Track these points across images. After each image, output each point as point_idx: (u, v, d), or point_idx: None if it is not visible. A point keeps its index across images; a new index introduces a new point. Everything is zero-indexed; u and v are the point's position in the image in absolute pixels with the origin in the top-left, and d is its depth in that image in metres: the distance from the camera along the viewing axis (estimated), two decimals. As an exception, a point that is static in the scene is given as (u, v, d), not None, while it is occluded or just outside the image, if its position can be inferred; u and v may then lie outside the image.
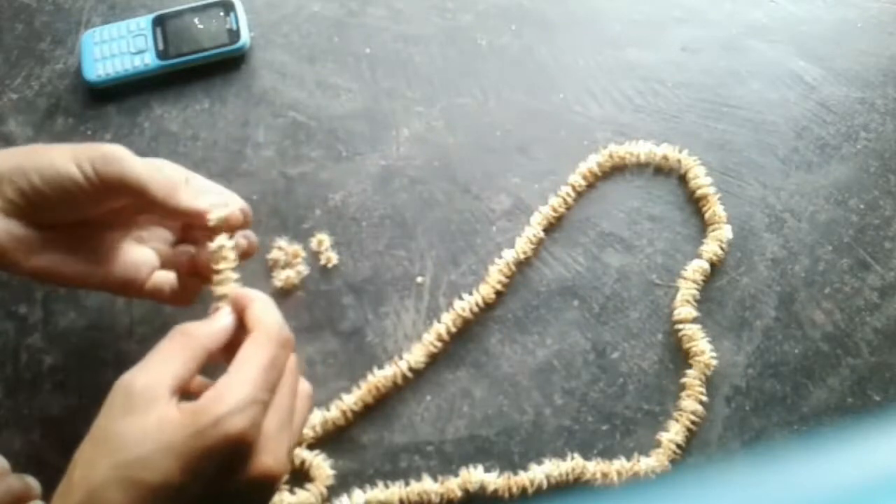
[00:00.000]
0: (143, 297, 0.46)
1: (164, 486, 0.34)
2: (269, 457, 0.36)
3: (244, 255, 0.45)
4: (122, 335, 0.51)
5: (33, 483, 0.46)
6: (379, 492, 0.47)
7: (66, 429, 0.50)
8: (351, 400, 0.49)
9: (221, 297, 0.41)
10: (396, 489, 0.47)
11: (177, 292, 0.46)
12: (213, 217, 0.41)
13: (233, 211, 0.42)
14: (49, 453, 0.49)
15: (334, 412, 0.49)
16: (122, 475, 0.34)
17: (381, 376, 0.49)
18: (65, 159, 0.40)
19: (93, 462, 0.35)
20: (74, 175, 0.40)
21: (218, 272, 0.41)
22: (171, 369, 0.36)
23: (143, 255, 0.46)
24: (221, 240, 0.41)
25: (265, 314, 0.39)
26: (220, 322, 0.40)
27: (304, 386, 0.41)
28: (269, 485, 0.37)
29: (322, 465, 0.48)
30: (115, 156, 0.41)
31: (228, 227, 0.42)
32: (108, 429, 0.36)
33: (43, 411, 0.50)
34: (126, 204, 0.43)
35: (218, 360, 0.39)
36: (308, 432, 0.48)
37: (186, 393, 0.37)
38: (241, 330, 0.39)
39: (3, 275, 0.53)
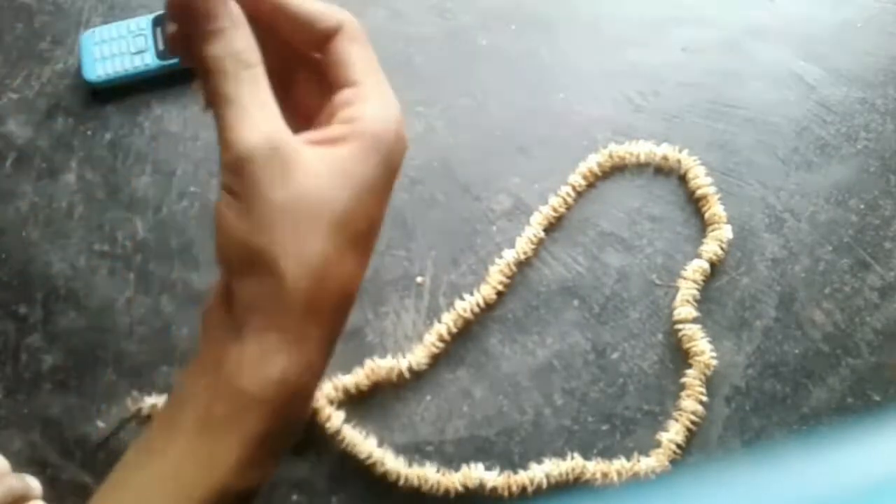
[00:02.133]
0: None
1: (376, 227, 0.31)
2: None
3: None
4: (122, 335, 0.51)
5: (33, 483, 0.46)
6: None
7: (66, 429, 0.50)
8: (349, 381, 0.49)
9: None
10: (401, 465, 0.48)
11: None
12: None
13: None
14: (49, 453, 0.49)
15: (328, 389, 0.49)
16: (343, 236, 0.29)
17: (379, 364, 0.49)
18: None
19: (300, 237, 0.29)
20: None
21: None
22: (273, 108, 0.30)
23: None
24: None
25: (339, 14, 0.34)
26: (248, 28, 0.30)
27: None
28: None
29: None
30: None
31: None
32: (299, 195, 0.29)
33: (43, 411, 0.50)
34: None
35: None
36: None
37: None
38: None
39: (3, 275, 0.53)
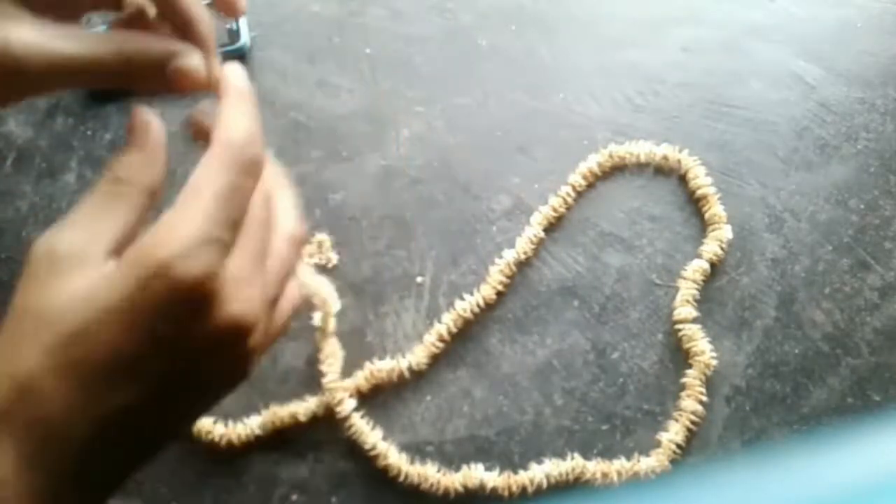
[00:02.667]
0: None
1: (110, 361, 0.27)
2: (235, 304, 0.29)
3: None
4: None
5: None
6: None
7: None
8: (349, 383, 0.49)
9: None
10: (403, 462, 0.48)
11: None
12: None
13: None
14: (49, 453, 0.49)
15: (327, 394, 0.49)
16: (57, 358, 0.27)
17: (379, 366, 0.49)
18: None
19: (16, 351, 0.27)
20: None
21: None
22: (104, 224, 0.29)
23: None
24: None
25: (231, 123, 0.30)
26: (160, 153, 0.30)
27: (287, 224, 0.32)
28: (240, 337, 0.29)
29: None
30: None
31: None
32: (29, 305, 0.28)
33: (43, 411, 0.50)
34: None
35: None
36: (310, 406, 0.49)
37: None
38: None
39: (3, 275, 0.53)
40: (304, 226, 0.33)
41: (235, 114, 0.30)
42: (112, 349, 0.27)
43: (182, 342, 0.28)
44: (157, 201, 0.30)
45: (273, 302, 0.31)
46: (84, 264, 0.28)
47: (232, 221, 0.29)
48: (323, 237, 0.53)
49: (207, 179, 0.29)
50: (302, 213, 0.34)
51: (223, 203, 0.28)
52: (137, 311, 0.27)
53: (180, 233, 0.27)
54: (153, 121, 0.32)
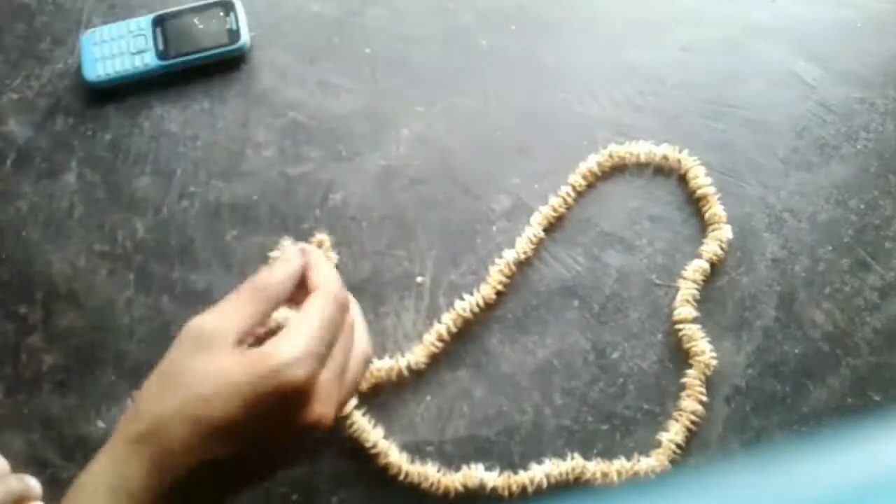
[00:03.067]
0: None
1: (223, 424, 0.36)
2: (321, 406, 0.38)
3: None
4: (122, 335, 0.51)
5: (33, 483, 0.46)
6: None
7: (66, 429, 0.50)
8: None
9: None
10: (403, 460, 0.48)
11: None
12: None
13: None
14: (49, 453, 0.49)
15: None
16: (186, 411, 0.36)
17: (378, 366, 0.49)
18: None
19: (159, 395, 0.38)
20: None
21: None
22: (238, 318, 0.39)
23: None
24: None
25: (326, 273, 0.42)
26: (288, 273, 0.41)
27: (361, 347, 0.43)
28: (318, 430, 0.39)
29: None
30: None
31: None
32: (176, 366, 0.38)
33: (43, 411, 0.50)
34: None
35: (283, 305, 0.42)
36: None
37: (255, 337, 0.41)
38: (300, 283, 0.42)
39: (3, 275, 0.53)
40: (372, 346, 0.44)
41: (328, 270, 0.42)
42: (227, 416, 0.36)
43: (277, 425, 0.38)
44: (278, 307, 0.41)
45: (344, 403, 0.42)
46: (219, 346, 0.38)
47: (328, 342, 0.39)
48: (323, 237, 0.53)
49: (315, 312, 0.39)
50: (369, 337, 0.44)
51: (324, 330, 0.39)
52: (253, 395, 0.36)
53: (294, 345, 0.37)
54: (298, 257, 0.42)
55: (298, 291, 0.41)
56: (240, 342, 0.38)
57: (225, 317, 0.39)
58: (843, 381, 0.50)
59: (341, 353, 0.40)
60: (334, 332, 0.40)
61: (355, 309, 0.44)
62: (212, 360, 0.38)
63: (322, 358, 0.38)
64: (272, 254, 0.52)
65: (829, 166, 0.55)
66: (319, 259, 0.43)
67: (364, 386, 0.50)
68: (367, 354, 0.43)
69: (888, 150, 0.55)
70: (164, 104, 0.57)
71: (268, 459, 0.40)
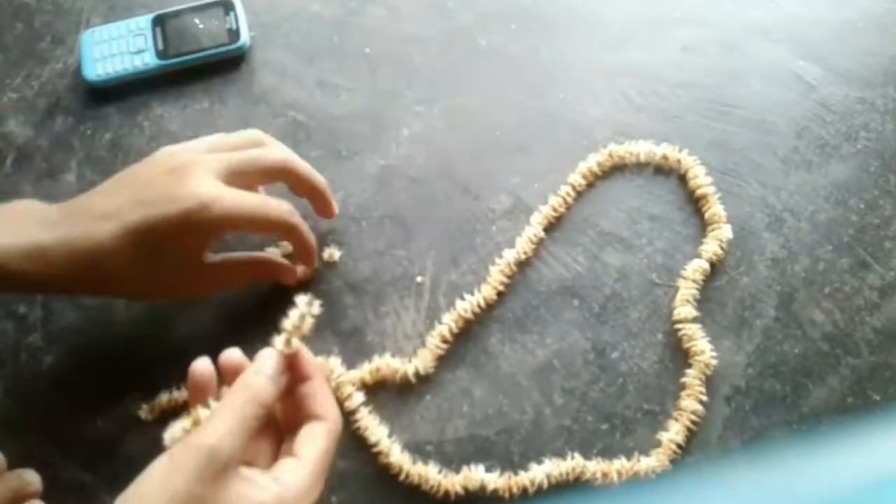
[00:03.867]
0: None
1: None
2: None
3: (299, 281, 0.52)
4: (122, 335, 0.51)
5: (32, 478, 0.46)
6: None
7: (66, 429, 0.50)
8: (354, 375, 0.49)
9: (284, 346, 0.41)
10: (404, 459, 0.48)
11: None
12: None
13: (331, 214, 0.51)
14: (49, 453, 0.49)
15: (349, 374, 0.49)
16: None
17: (387, 362, 0.50)
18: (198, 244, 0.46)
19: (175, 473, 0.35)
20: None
21: (293, 324, 0.40)
22: (241, 434, 0.37)
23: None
24: (303, 307, 0.40)
25: (333, 405, 0.42)
26: (277, 384, 0.40)
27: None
28: None
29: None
30: (214, 216, 0.44)
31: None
32: (196, 495, 0.35)
33: (43, 411, 0.50)
34: None
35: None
36: None
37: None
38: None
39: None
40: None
41: (328, 396, 0.42)
42: None
43: None
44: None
45: None
46: (234, 472, 0.37)
47: (324, 474, 0.40)
48: (333, 251, 0.52)
49: (323, 446, 0.40)
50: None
51: (327, 465, 0.40)
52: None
53: (302, 484, 0.38)
54: (284, 380, 0.41)
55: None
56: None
57: (235, 438, 0.37)
58: (843, 380, 0.50)
59: (321, 484, 0.41)
60: (330, 462, 0.41)
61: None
62: (233, 491, 0.36)
63: (315, 491, 0.40)
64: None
65: (829, 166, 0.55)
66: (323, 380, 0.42)
67: (369, 380, 0.50)
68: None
69: (888, 150, 0.55)
70: (164, 104, 0.57)
71: None
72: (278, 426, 0.43)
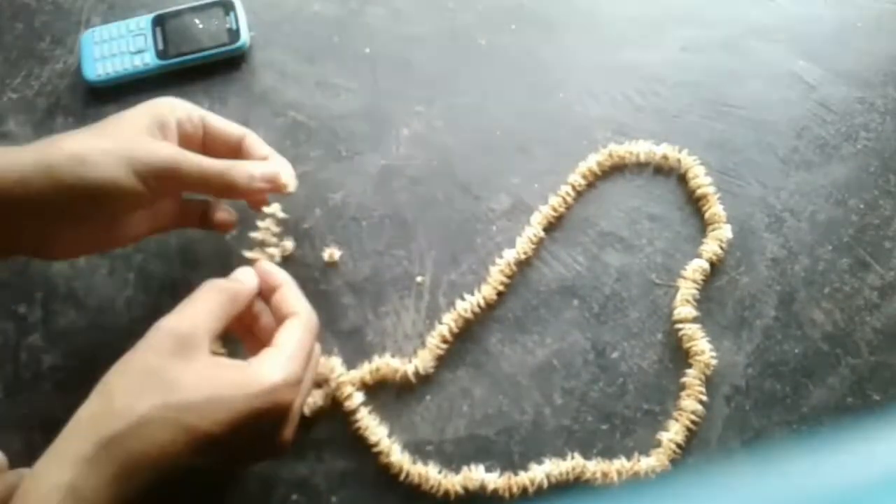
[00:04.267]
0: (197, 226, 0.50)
1: (209, 435, 0.36)
2: (290, 429, 0.40)
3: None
4: (122, 335, 0.51)
5: None
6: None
7: (66, 429, 0.50)
8: (354, 375, 0.49)
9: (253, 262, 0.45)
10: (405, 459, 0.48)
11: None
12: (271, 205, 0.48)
13: (286, 183, 0.47)
14: (49, 453, 0.49)
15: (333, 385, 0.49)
16: (172, 416, 0.35)
17: (388, 362, 0.50)
18: (128, 177, 0.41)
19: (139, 396, 0.36)
20: (137, 189, 0.42)
21: (258, 240, 0.46)
22: (210, 320, 0.39)
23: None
24: (274, 207, 0.44)
25: (300, 301, 0.43)
26: (249, 283, 0.43)
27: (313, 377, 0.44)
28: (282, 453, 0.41)
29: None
30: (173, 168, 0.43)
31: (281, 193, 0.48)
32: (156, 366, 0.37)
33: (43, 411, 0.50)
34: None
35: (234, 328, 0.43)
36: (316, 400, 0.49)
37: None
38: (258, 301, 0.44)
39: (2, 274, 0.53)
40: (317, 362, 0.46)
41: (299, 296, 0.44)
42: (216, 428, 0.36)
43: (257, 442, 0.39)
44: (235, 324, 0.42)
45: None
46: (199, 350, 0.37)
47: (306, 364, 0.41)
48: (333, 250, 0.52)
49: (299, 336, 0.41)
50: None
51: (307, 356, 0.41)
52: (246, 411, 0.37)
53: (285, 367, 0.39)
54: (255, 283, 0.44)
55: (252, 312, 0.43)
56: (211, 347, 0.39)
57: (199, 319, 0.39)
58: (843, 380, 0.50)
59: (308, 381, 0.42)
60: (309, 359, 0.41)
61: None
62: (199, 366, 0.37)
63: (301, 379, 0.40)
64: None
65: (829, 166, 0.55)
66: (293, 285, 0.44)
67: (369, 379, 0.50)
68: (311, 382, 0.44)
69: (888, 150, 0.55)
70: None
71: (238, 465, 0.41)
72: None
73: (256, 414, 0.37)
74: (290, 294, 0.43)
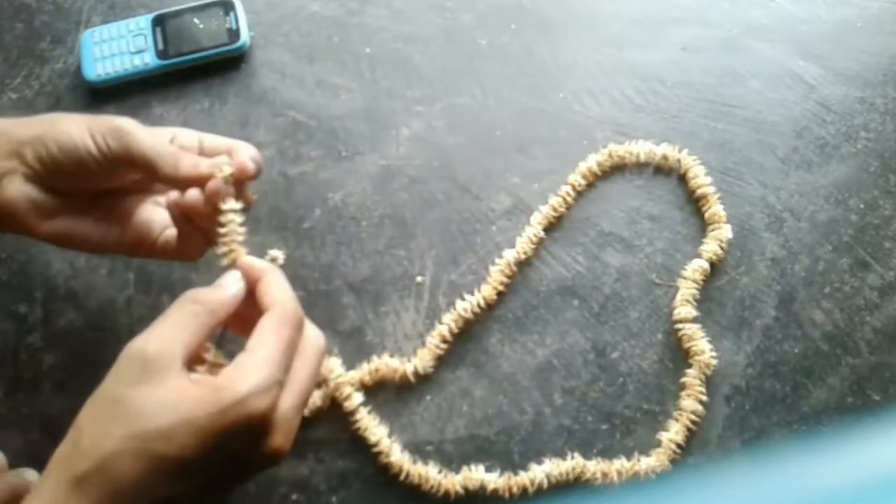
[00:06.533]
0: (156, 255, 0.46)
1: (180, 460, 0.34)
2: (280, 436, 0.37)
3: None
4: (122, 335, 0.51)
5: (32, 476, 0.46)
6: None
7: (66, 429, 0.49)
8: (354, 375, 0.50)
9: (229, 262, 0.40)
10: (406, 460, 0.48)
11: (181, 246, 0.45)
12: (220, 177, 0.40)
13: (240, 164, 0.41)
14: (49, 453, 0.49)
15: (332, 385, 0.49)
16: (138, 446, 0.33)
17: (386, 362, 0.50)
18: (81, 130, 0.41)
19: (105, 430, 0.34)
20: (89, 147, 0.41)
21: (223, 235, 0.40)
22: (182, 338, 0.36)
23: (155, 214, 0.46)
24: (230, 203, 0.40)
25: (281, 292, 0.39)
26: (230, 290, 0.39)
27: (313, 367, 0.40)
28: (276, 461, 0.38)
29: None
30: (123, 129, 0.41)
31: (242, 178, 0.41)
32: (121, 396, 0.35)
33: (43, 411, 0.50)
34: (141, 174, 0.44)
35: (225, 328, 0.41)
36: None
37: (196, 362, 0.38)
38: (248, 298, 0.40)
39: (3, 274, 0.53)
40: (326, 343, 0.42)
41: (280, 286, 0.39)
42: (184, 451, 0.34)
43: (237, 457, 0.36)
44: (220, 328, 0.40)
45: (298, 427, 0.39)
46: (168, 372, 0.35)
47: (288, 366, 0.37)
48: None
49: (273, 332, 0.37)
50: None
51: (282, 354, 0.37)
52: (214, 429, 0.34)
53: (255, 373, 0.35)
54: (239, 287, 0.40)
55: (252, 310, 0.39)
56: (184, 366, 0.36)
57: (169, 338, 0.36)
58: (843, 380, 0.50)
59: (298, 377, 0.38)
60: (291, 354, 0.38)
61: (306, 321, 0.41)
62: (164, 390, 0.35)
63: (282, 385, 0.37)
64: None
65: (829, 166, 0.55)
66: (273, 274, 0.40)
67: (368, 380, 0.50)
68: (316, 375, 0.41)
69: (888, 150, 0.55)
70: (163, 104, 0.57)
71: (223, 490, 0.38)
72: None
73: (226, 430, 0.34)
74: (270, 286, 0.39)
